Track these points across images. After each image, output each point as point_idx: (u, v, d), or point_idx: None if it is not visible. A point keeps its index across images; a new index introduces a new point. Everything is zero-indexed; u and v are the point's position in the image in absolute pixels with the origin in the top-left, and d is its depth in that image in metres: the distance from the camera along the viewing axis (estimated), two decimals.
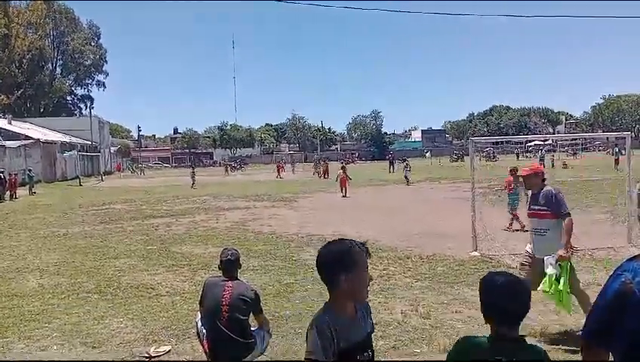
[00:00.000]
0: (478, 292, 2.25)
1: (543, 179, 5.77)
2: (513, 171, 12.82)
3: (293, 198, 22.81)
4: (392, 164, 44.30)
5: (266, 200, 22.40)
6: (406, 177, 28.92)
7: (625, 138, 11.32)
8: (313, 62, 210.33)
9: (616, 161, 31.78)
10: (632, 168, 10.42)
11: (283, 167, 47.61)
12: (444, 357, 4.97)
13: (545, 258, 5.31)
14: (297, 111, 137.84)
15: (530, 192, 5.97)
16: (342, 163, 33.49)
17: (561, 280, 5.18)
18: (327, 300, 2.34)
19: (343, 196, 22.69)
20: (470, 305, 6.37)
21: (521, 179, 11.92)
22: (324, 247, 2.32)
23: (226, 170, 51.93)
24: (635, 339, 1.82)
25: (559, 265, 5.22)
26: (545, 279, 5.23)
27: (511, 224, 12.29)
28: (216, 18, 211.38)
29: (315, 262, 2.31)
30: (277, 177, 41.49)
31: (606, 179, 24.00)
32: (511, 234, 11.46)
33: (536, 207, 5.63)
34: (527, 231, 10.53)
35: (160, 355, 5.24)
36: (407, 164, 30.29)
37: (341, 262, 2.22)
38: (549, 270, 5.21)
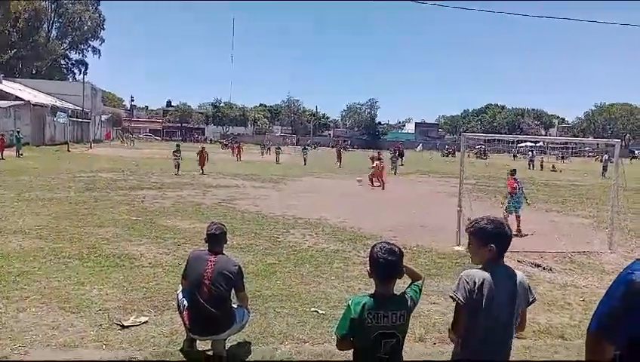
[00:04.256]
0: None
1: None
2: (513, 173, 12.31)
3: (281, 180, 22.82)
4: (400, 156, 38.47)
5: (254, 180, 22.39)
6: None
7: (614, 145, 11.40)
8: (312, 48, 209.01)
9: (604, 168, 32.12)
10: (620, 176, 10.55)
11: (240, 148, 41.90)
12: (419, 345, 5.04)
13: None
14: (293, 94, 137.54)
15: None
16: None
17: None
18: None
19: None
20: (448, 297, 6.44)
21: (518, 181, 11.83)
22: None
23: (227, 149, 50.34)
24: (637, 335, 1.90)
25: None
26: None
27: (518, 229, 11.21)
28: None
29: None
30: (237, 160, 38.12)
31: (593, 185, 24.33)
32: None
33: None
34: (525, 235, 10.70)
35: (135, 325, 5.26)
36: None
37: None
38: None
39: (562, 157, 51.65)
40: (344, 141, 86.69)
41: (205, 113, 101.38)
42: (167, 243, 9.09)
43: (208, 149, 27.58)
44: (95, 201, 13.67)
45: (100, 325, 5.23)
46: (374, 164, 22.39)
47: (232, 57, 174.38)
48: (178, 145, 25.11)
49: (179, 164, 23.51)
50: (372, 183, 21.65)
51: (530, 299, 2.96)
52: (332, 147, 76.96)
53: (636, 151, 75.92)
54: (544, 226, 12.57)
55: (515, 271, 2.97)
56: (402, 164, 36.51)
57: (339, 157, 36.97)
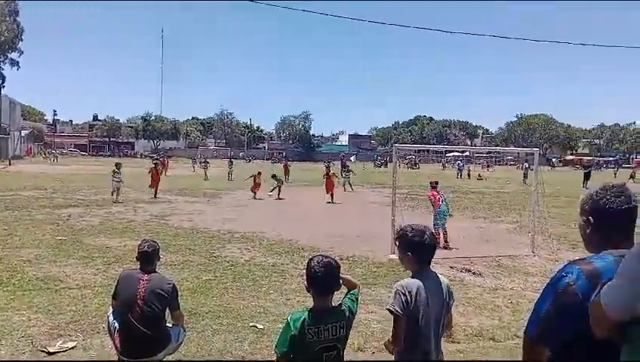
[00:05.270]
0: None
1: None
2: (435, 184, 12.11)
3: (215, 195, 22.46)
4: (344, 167, 32.21)
5: (187, 195, 21.90)
6: None
7: (534, 154, 12.13)
8: (244, 59, 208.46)
9: (525, 175, 34.02)
10: (539, 182, 11.20)
11: (164, 163, 36.87)
12: (359, 355, 5.10)
13: None
14: (226, 107, 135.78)
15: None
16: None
17: None
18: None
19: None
20: (385, 305, 6.56)
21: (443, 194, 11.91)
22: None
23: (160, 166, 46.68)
24: (569, 338, 1.92)
25: None
26: None
27: (446, 241, 11.06)
28: (146, 5, 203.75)
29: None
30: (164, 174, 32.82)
31: (515, 192, 25.67)
32: None
33: None
34: (453, 248, 10.96)
35: (62, 351, 4.98)
36: None
37: None
38: None
39: (487, 166, 54.13)
40: (279, 153, 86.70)
41: (135, 127, 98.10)
42: (96, 263, 8.68)
43: (140, 165, 26.37)
44: (16, 221, 12.85)
45: (24, 353, 4.92)
46: (253, 176, 22.53)
47: (162, 69, 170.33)
48: (118, 165, 19.79)
49: (119, 188, 18.93)
50: (255, 194, 21.82)
51: (451, 303, 3.09)
52: (267, 159, 76.70)
53: (553, 160, 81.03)
54: (472, 233, 13.12)
55: (440, 276, 3.08)
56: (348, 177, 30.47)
57: (286, 172, 33.89)
